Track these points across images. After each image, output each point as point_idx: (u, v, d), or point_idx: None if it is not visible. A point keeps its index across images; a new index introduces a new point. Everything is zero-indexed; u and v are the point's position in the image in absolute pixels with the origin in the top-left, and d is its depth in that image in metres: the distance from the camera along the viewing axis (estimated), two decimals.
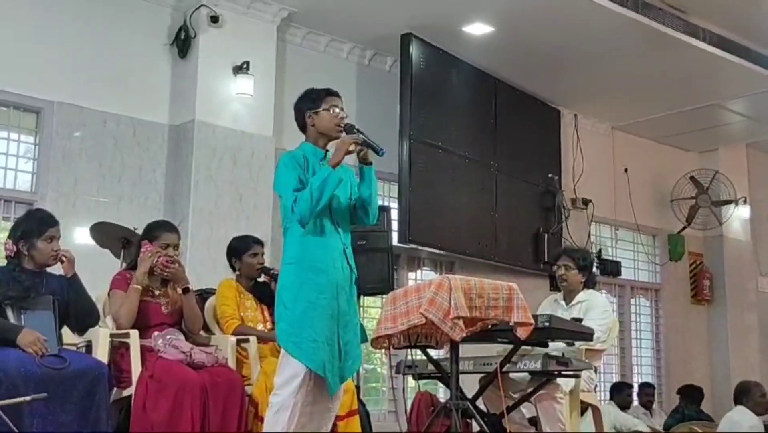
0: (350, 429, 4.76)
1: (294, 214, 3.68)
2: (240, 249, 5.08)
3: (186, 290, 4.59)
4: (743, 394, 6.56)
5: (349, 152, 3.76)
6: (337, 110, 3.88)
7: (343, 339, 3.74)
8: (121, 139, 6.23)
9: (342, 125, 3.87)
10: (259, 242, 5.12)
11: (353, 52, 7.60)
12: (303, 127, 3.97)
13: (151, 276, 4.52)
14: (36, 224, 4.13)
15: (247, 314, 4.94)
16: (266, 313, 4.98)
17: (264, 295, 5.02)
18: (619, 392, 8.14)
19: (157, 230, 4.63)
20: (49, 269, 4.21)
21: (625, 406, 8.00)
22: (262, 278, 5.10)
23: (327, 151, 3.92)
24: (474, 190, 7.81)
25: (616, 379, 9.45)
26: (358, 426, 4.87)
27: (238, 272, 5.09)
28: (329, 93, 3.94)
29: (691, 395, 8.64)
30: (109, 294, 4.52)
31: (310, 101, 3.92)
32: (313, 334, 3.62)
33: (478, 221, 7.80)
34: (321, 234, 3.77)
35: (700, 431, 7.28)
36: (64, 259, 4.14)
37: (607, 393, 8.68)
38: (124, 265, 5.01)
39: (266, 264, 5.17)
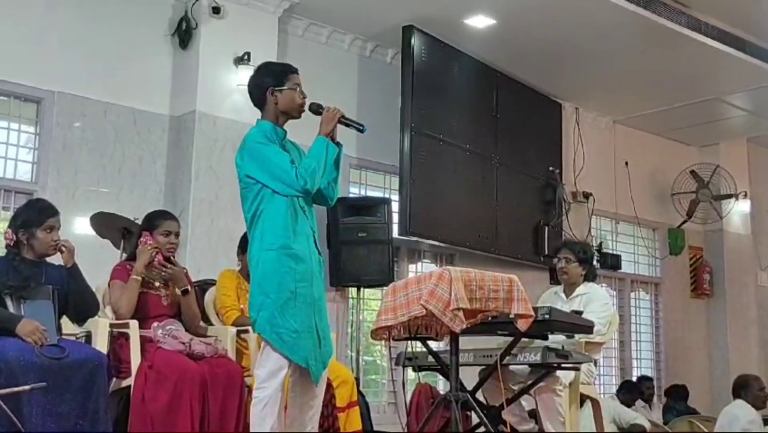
0: (350, 421, 4.78)
1: (299, 180, 3.55)
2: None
3: (185, 292, 4.56)
4: (742, 388, 6.55)
5: (336, 125, 3.66)
6: (299, 89, 3.76)
7: (319, 326, 3.67)
8: (121, 130, 6.22)
9: (306, 105, 3.75)
10: None
11: (355, 44, 7.58)
12: (261, 104, 3.79)
13: (150, 268, 4.51)
14: (36, 214, 4.12)
15: (247, 306, 4.92)
16: None
17: None
18: (629, 391, 8.12)
19: (157, 218, 4.62)
20: (48, 259, 4.20)
21: (628, 404, 7.99)
22: None
23: (285, 131, 3.81)
24: (475, 182, 7.80)
25: (615, 372, 9.47)
26: (358, 418, 4.89)
27: (239, 265, 5.08)
28: (291, 70, 3.79)
29: (677, 393, 8.95)
30: (109, 284, 4.52)
31: (273, 78, 3.75)
32: (295, 324, 3.54)
33: (478, 214, 7.78)
34: (296, 219, 3.64)
35: (700, 426, 7.28)
36: (63, 249, 4.13)
37: (606, 386, 8.67)
38: (125, 255, 5.01)
39: None
